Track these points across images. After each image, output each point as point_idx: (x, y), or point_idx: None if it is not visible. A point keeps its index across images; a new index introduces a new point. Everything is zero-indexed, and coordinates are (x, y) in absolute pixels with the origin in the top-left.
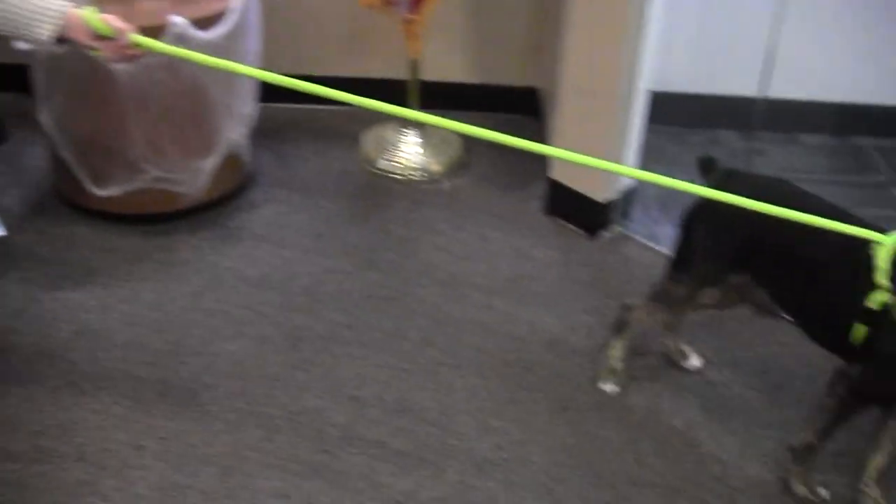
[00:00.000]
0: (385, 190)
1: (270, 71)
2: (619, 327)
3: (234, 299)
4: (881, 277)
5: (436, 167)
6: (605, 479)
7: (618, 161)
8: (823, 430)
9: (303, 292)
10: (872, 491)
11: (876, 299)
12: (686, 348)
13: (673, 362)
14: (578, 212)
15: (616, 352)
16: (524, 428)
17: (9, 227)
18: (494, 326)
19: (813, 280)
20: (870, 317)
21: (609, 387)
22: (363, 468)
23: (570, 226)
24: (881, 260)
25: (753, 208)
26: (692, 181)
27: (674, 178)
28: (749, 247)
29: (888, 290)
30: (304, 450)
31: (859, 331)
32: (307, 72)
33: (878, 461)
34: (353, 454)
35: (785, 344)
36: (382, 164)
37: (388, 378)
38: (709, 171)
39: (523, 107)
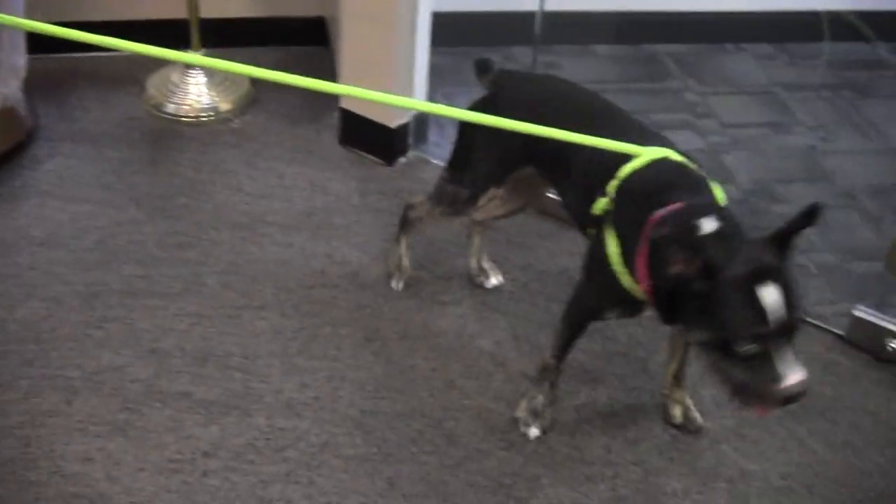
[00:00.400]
0: (174, 134)
1: (36, 19)
2: (402, 225)
3: (21, 261)
4: (611, 187)
5: (225, 106)
6: (416, 408)
7: (408, 86)
8: (557, 349)
9: (94, 247)
10: (675, 393)
11: (599, 205)
12: (488, 266)
13: (476, 283)
14: (373, 139)
15: (401, 249)
16: (330, 364)
17: None
18: (294, 263)
19: (574, 181)
20: (596, 223)
21: (395, 283)
22: (168, 422)
23: (367, 155)
24: (622, 170)
25: (523, 130)
26: None
27: (470, 97)
28: (530, 140)
29: (612, 200)
30: (105, 410)
31: (589, 235)
32: (79, 17)
33: (672, 367)
34: (156, 408)
35: None
36: (170, 107)
37: (188, 327)
38: (485, 73)
39: (313, 38)
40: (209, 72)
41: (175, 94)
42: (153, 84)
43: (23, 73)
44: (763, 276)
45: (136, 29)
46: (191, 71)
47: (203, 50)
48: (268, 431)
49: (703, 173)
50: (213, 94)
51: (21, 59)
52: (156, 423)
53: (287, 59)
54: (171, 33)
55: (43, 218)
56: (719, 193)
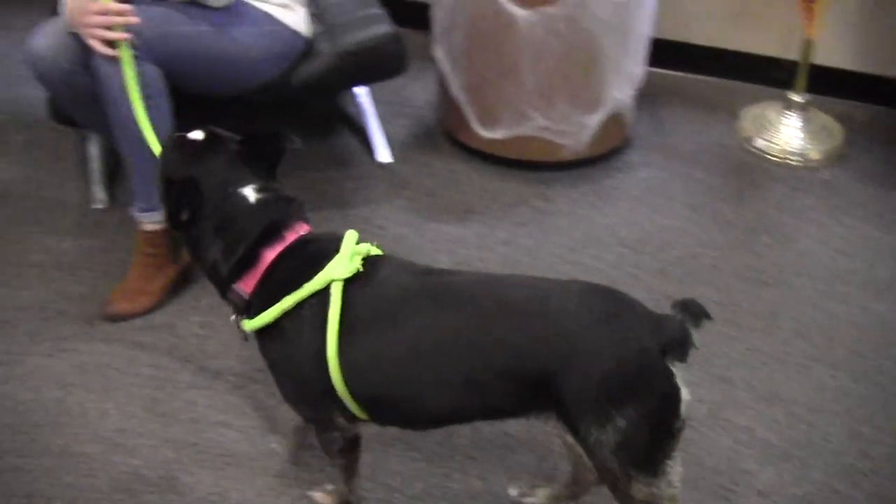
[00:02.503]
0: (761, 170)
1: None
2: None
3: (608, 258)
4: None
5: (815, 154)
6: None
7: None
8: None
9: (677, 262)
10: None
11: None
12: None
13: None
14: None
15: None
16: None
17: (394, 156)
18: (871, 330)
19: None
20: None
21: None
22: (727, 451)
23: None
24: None
25: None
26: None
27: None
28: None
29: None
30: None
31: None
32: (691, 40)
33: None
34: (717, 435)
35: None
36: (760, 143)
37: (759, 364)
38: None
39: None
40: (806, 117)
41: (768, 131)
42: (747, 117)
43: (638, 83)
44: None
45: (742, 60)
46: (788, 112)
47: (806, 95)
48: (824, 492)
49: None
50: (806, 139)
51: (639, 69)
52: (709, 446)
53: (882, 118)
54: (771, 70)
55: (632, 222)
56: None
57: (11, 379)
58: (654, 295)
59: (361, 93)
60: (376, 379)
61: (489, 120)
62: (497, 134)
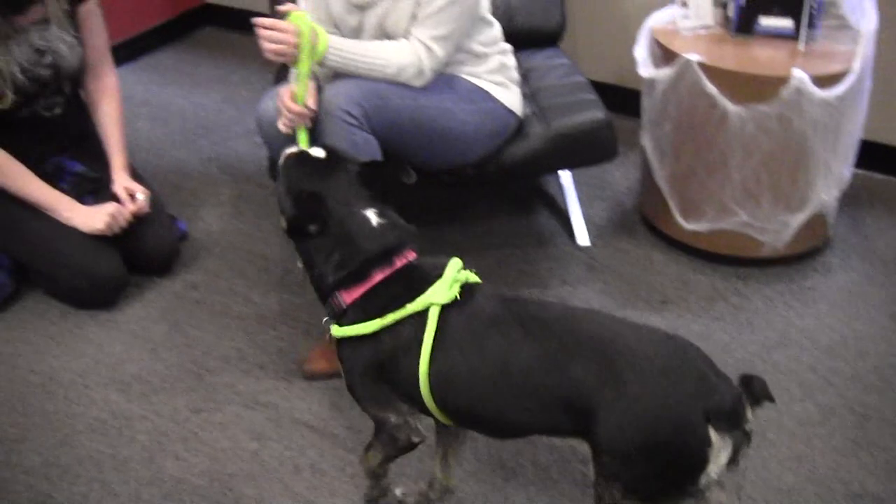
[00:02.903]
0: None
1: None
2: None
3: (804, 360)
4: None
5: None
6: None
7: None
8: None
9: (872, 370)
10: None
11: None
12: None
13: None
14: None
15: None
16: None
17: (592, 239)
18: None
19: None
20: None
21: None
22: None
23: None
24: None
25: None
26: None
27: None
28: None
29: None
30: None
31: None
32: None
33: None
34: None
35: None
36: None
37: None
38: None
39: None
40: None
41: None
42: None
43: (845, 185)
44: None
45: None
46: None
47: None
48: None
49: None
50: None
51: (847, 171)
52: None
53: None
54: None
55: (828, 326)
56: None
57: (210, 425)
58: (849, 402)
59: (564, 174)
60: (460, 394)
61: (691, 212)
62: (699, 226)
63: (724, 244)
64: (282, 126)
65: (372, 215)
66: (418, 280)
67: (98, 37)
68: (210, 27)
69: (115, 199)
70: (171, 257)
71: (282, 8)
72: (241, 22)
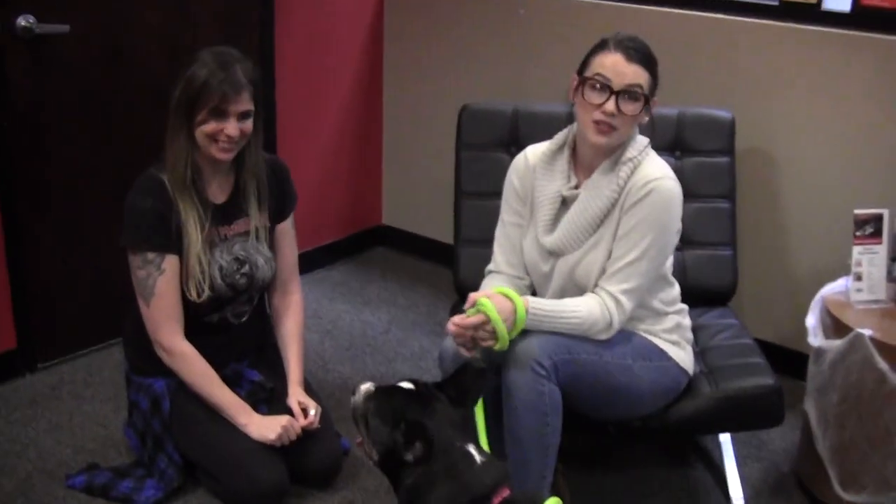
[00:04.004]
0: None
1: None
2: None
3: None
4: None
5: None
6: None
7: None
8: None
9: None
10: None
11: None
12: None
13: None
14: None
15: None
16: None
17: (746, 499)
18: None
19: None
20: None
21: None
22: None
23: None
24: None
25: None
26: None
27: None
28: None
29: None
30: None
31: None
32: None
33: None
34: None
35: None
36: None
37: None
38: None
39: None
40: None
41: None
42: None
43: None
44: None
45: None
46: None
47: None
48: None
49: None
50: None
51: None
52: None
53: None
54: None
55: None
56: None
57: None
58: None
59: None
60: None
61: (851, 483)
62: (858, 499)
63: None
64: (462, 351)
65: (474, 451)
66: None
67: (290, 255)
68: (383, 247)
69: (289, 411)
70: (333, 473)
71: (468, 303)
72: (413, 244)
